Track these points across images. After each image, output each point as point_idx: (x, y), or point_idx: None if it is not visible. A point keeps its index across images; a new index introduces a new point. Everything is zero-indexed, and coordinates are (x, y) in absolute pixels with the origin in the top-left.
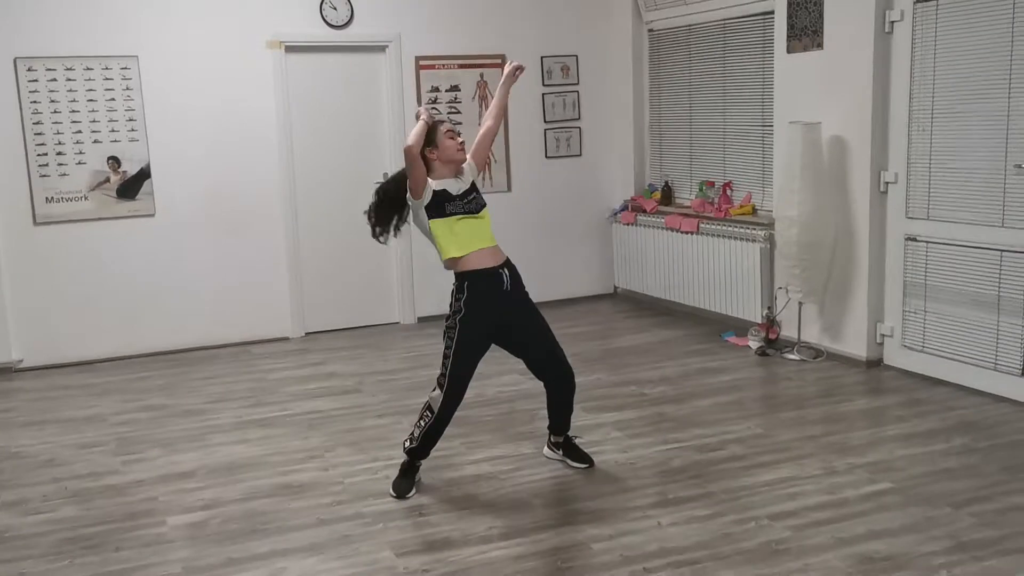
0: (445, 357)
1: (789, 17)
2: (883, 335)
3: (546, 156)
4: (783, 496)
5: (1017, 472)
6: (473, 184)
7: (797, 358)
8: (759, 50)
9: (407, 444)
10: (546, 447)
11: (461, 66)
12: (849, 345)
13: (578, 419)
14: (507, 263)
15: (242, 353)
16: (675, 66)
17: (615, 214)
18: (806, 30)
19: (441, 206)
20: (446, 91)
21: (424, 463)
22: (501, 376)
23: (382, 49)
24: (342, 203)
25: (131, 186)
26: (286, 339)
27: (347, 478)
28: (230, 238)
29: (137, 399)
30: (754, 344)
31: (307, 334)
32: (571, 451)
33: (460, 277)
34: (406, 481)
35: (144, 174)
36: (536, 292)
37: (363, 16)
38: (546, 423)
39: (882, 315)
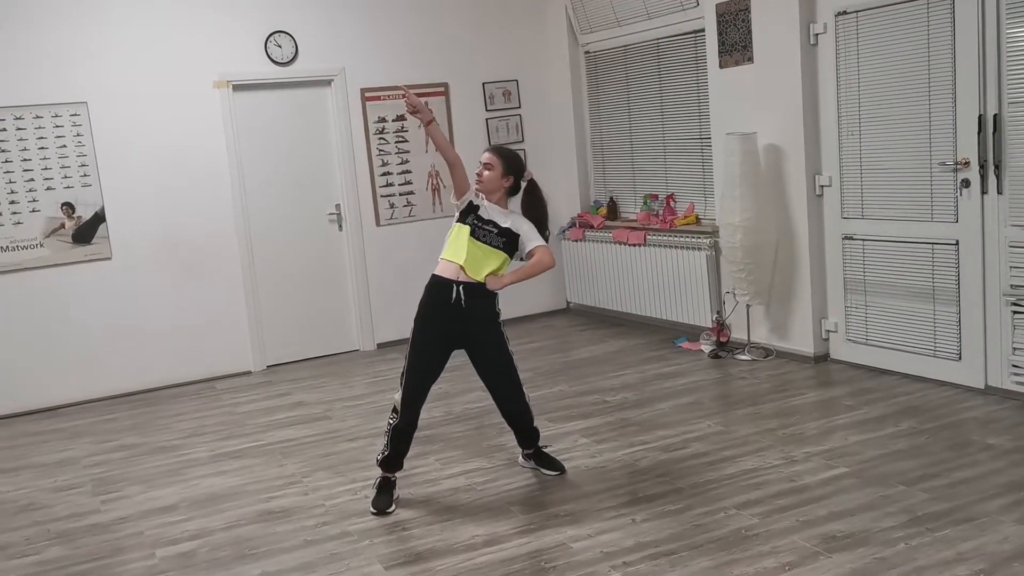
0: (405, 355)
1: (719, 34)
2: (828, 331)
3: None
4: (748, 486)
5: (961, 449)
6: (501, 227)
7: (748, 358)
8: (693, 66)
9: (380, 456)
10: (520, 458)
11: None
12: (796, 343)
13: (546, 429)
14: (468, 285)
15: (206, 389)
16: (613, 85)
17: (563, 231)
18: (736, 45)
19: (465, 215)
20: (392, 121)
21: (401, 480)
22: (467, 394)
23: (328, 83)
24: (296, 235)
25: (86, 231)
26: (248, 373)
27: (328, 500)
28: (188, 276)
29: (108, 440)
30: (706, 348)
31: (269, 367)
32: (542, 459)
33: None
34: (384, 496)
35: (99, 218)
36: None
37: (308, 52)
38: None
39: (826, 312)
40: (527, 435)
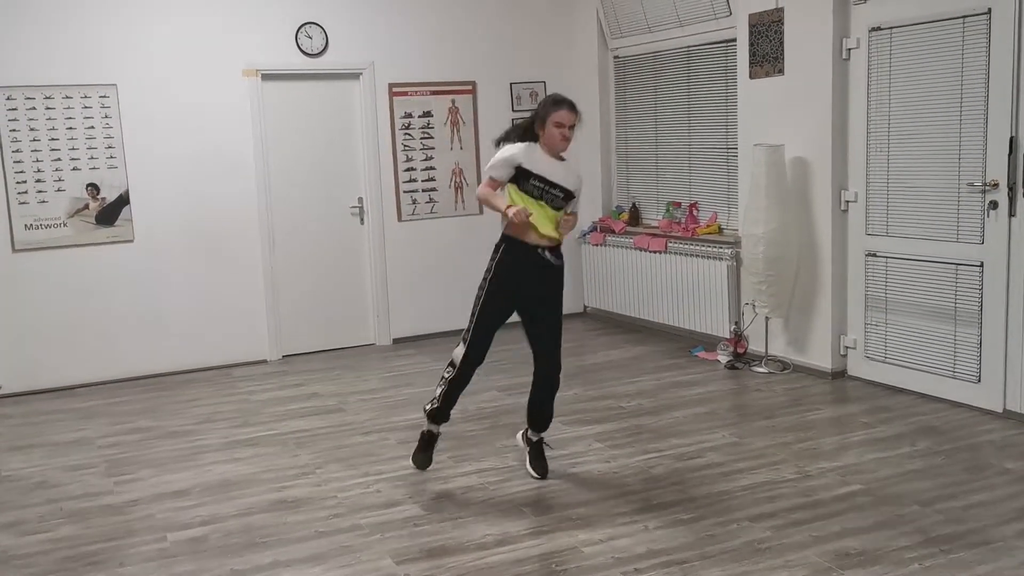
0: (472, 313)
1: (751, 44)
2: (847, 347)
3: None
4: (761, 499)
5: (977, 472)
6: (567, 190)
7: (765, 371)
8: (722, 76)
9: (429, 406)
10: (519, 434)
11: (433, 92)
12: (814, 357)
13: (560, 432)
14: (554, 248)
15: (222, 376)
16: (641, 91)
17: (584, 235)
18: (767, 56)
19: (520, 180)
20: (419, 117)
21: (413, 477)
22: (483, 393)
23: (356, 76)
24: (317, 227)
25: (110, 212)
26: (264, 362)
27: (340, 492)
28: (208, 262)
29: (122, 422)
30: (723, 358)
31: (284, 356)
32: (534, 455)
33: (503, 239)
34: (425, 454)
35: (123, 200)
36: None
37: (338, 44)
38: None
39: (845, 328)
40: (547, 416)
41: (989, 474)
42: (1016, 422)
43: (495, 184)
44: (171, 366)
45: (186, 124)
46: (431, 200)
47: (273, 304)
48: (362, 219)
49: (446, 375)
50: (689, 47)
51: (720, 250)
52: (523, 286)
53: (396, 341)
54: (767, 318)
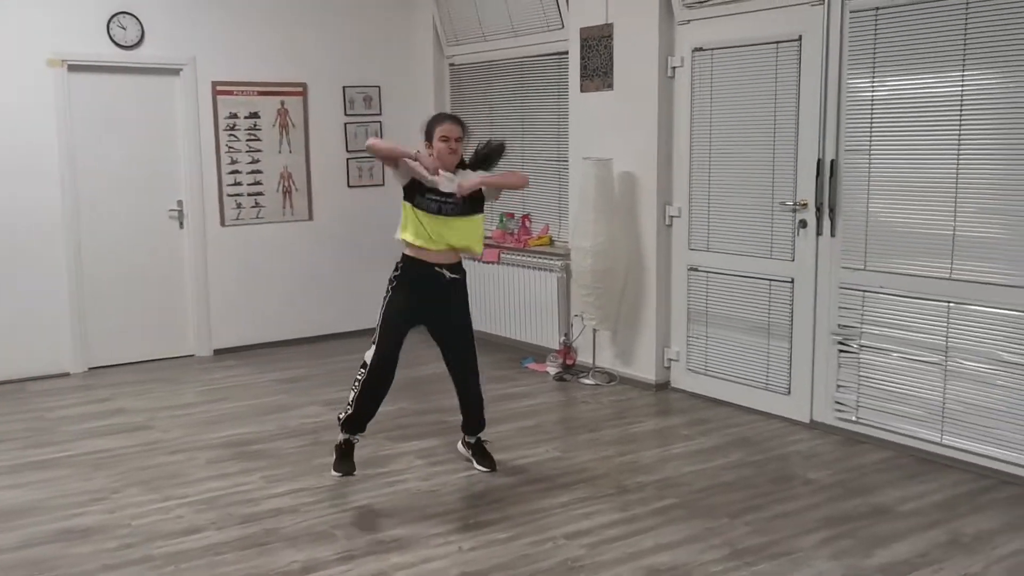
0: (378, 322)
1: (582, 58)
2: (670, 359)
3: (348, 185)
4: (579, 515)
5: (784, 483)
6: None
7: (592, 382)
8: (555, 88)
9: (342, 414)
10: (460, 443)
11: (261, 93)
12: (640, 369)
13: (382, 448)
14: (454, 267)
15: (16, 391)
16: (476, 100)
17: None
18: (598, 71)
19: (412, 194)
20: (245, 118)
21: (220, 499)
22: (304, 408)
23: (176, 72)
24: (132, 231)
25: None
26: (67, 375)
27: (135, 519)
28: (3, 267)
29: None
30: (552, 370)
31: (91, 369)
32: (478, 453)
33: (402, 258)
34: (346, 461)
35: None
36: (337, 320)
37: (155, 37)
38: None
39: (669, 340)
40: (479, 419)
41: (794, 484)
42: (821, 432)
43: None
44: None
45: None
46: (257, 204)
47: (78, 312)
48: (181, 223)
49: (358, 377)
50: (523, 57)
51: (551, 262)
52: (424, 297)
53: (217, 352)
54: (595, 330)
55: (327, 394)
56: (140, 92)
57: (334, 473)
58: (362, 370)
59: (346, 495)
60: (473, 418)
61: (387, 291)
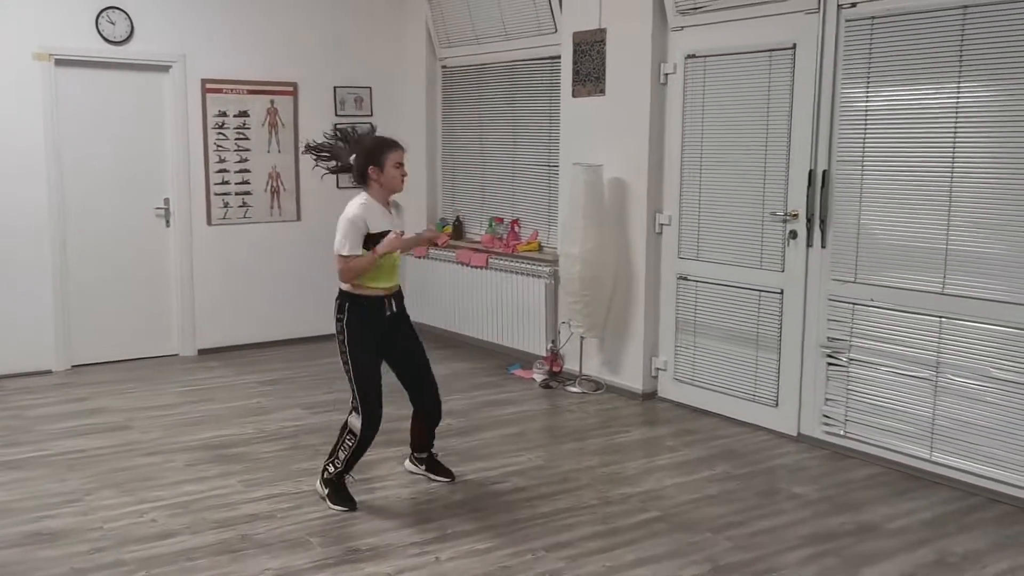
0: (350, 379)
1: (574, 63)
2: (657, 369)
3: (338, 186)
4: (560, 527)
5: (769, 497)
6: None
7: (579, 390)
8: (546, 93)
9: (332, 468)
10: (408, 461)
11: (251, 92)
12: (627, 378)
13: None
14: (396, 294)
15: None
16: (467, 103)
17: None
18: (590, 76)
19: (373, 243)
20: (234, 116)
21: (197, 503)
22: (285, 411)
23: (165, 69)
24: (117, 228)
25: None
26: (48, 372)
27: (108, 523)
28: None
29: None
30: (539, 377)
31: (74, 367)
32: (433, 466)
33: (344, 297)
34: (343, 493)
35: None
36: (323, 322)
37: (144, 33)
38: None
39: (657, 350)
40: (431, 436)
41: (779, 499)
42: (808, 445)
43: (355, 258)
44: None
45: None
46: (244, 204)
47: (62, 309)
48: (168, 221)
49: (348, 442)
50: (515, 61)
51: (539, 268)
52: (379, 335)
53: (202, 352)
54: (582, 338)
55: (309, 397)
56: (128, 88)
57: (340, 509)
58: (350, 437)
59: (322, 502)
60: (430, 430)
61: (344, 341)
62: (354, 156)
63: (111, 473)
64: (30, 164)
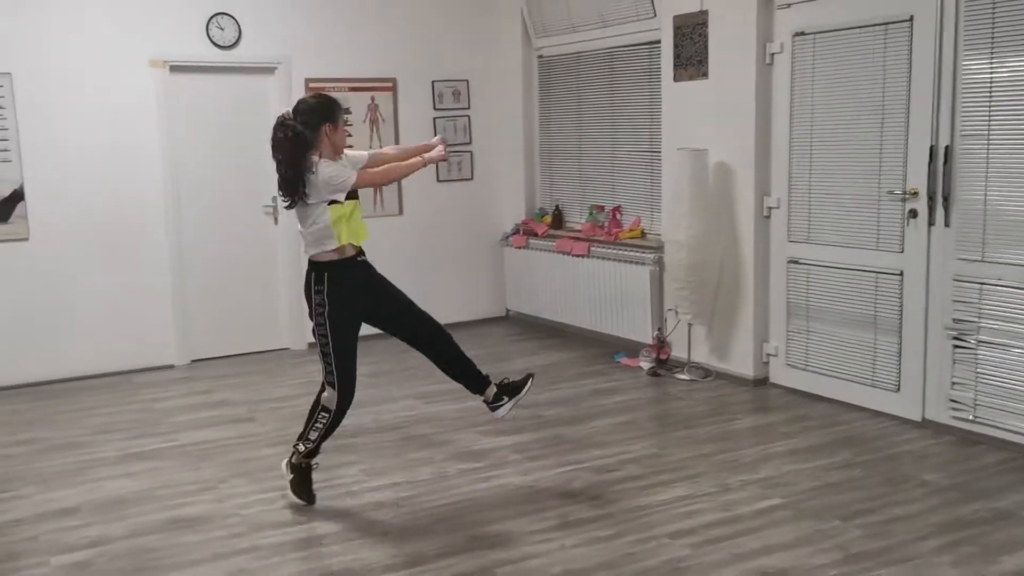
0: (325, 354)
1: (675, 47)
2: (768, 354)
3: (438, 180)
4: (681, 515)
5: (897, 484)
6: None
7: (687, 378)
8: (646, 78)
9: (302, 447)
10: (493, 412)
11: (352, 89)
12: (736, 364)
13: (477, 443)
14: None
15: (123, 383)
16: (565, 92)
17: (507, 237)
18: (692, 60)
19: (352, 193)
20: None
21: (321, 492)
22: (398, 401)
23: (271, 71)
24: (229, 227)
25: (3, 209)
26: (171, 367)
27: (242, 509)
28: (111, 263)
29: (11, 433)
30: (646, 365)
31: (193, 361)
32: (511, 388)
33: (322, 267)
34: (307, 484)
35: (18, 196)
36: (435, 314)
37: (251, 37)
38: (449, 443)
39: (767, 335)
40: (476, 376)
41: (908, 486)
42: (934, 431)
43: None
44: (68, 372)
45: (87, 116)
46: None
47: (181, 306)
48: (276, 219)
49: (322, 420)
50: (613, 48)
51: (643, 255)
52: (360, 302)
53: (312, 345)
54: (689, 325)
55: (422, 387)
56: (237, 91)
57: (300, 501)
58: (324, 415)
59: (443, 490)
60: (471, 368)
61: (321, 311)
62: (303, 123)
63: (240, 463)
64: (148, 169)
